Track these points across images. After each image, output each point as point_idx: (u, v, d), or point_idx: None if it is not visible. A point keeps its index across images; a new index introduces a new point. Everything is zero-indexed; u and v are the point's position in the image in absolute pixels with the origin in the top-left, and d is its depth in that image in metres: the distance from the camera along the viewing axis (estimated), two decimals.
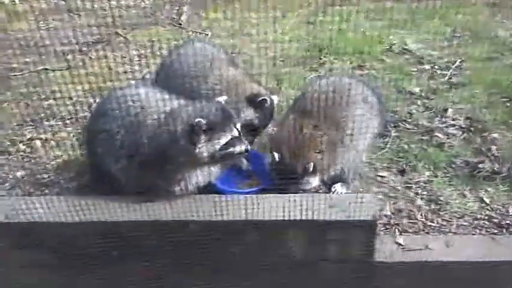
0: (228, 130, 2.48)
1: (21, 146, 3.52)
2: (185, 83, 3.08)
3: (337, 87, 2.79)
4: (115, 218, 2.47)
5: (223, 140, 2.46)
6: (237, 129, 2.52)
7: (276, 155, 2.65)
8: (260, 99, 3.02)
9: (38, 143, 3.56)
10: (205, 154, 2.43)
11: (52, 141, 3.57)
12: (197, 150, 2.40)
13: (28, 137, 3.62)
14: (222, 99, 2.60)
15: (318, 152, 2.64)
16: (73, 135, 3.62)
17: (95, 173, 2.76)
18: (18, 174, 3.23)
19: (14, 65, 4.83)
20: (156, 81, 3.28)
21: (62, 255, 2.54)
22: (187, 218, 2.45)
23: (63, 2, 6.75)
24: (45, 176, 3.20)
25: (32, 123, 3.81)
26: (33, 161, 3.38)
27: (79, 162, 3.26)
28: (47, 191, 3.04)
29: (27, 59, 4.98)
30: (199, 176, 2.56)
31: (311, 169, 2.59)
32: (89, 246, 2.50)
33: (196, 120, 2.36)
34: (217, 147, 2.45)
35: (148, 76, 4.34)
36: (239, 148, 2.53)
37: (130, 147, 2.49)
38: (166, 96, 2.57)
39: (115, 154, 2.53)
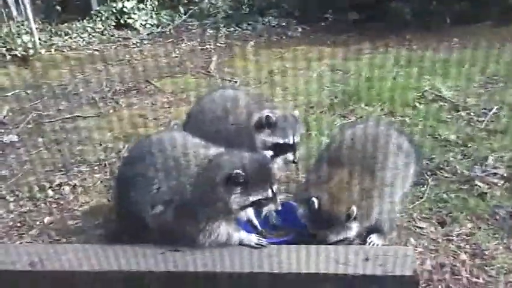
0: (263, 189, 2.45)
1: (50, 192, 3.51)
2: (211, 125, 3.10)
3: (372, 135, 2.70)
4: (142, 267, 2.38)
5: (255, 198, 2.45)
6: (272, 190, 2.48)
7: (315, 200, 2.52)
8: (264, 115, 2.98)
9: (67, 188, 3.55)
10: (235, 206, 2.42)
11: (81, 188, 3.56)
12: (230, 200, 2.39)
13: (57, 182, 3.62)
14: (269, 154, 2.56)
15: (357, 199, 2.51)
16: (101, 181, 3.60)
17: (125, 219, 2.70)
18: (46, 220, 3.20)
19: (48, 113, 4.94)
20: (185, 128, 3.27)
21: None
22: (215, 269, 2.33)
23: (97, 53, 7.02)
24: (73, 222, 3.15)
25: (62, 169, 3.83)
26: (61, 207, 3.35)
27: (106, 208, 3.23)
28: (74, 238, 2.99)
29: (60, 107, 5.11)
30: (231, 229, 2.49)
31: (355, 213, 2.45)
32: None
33: (235, 171, 2.35)
34: (248, 202, 2.44)
35: (172, 124, 4.40)
36: (269, 208, 2.52)
37: (169, 192, 2.47)
38: (206, 143, 2.60)
39: (151, 199, 2.49)
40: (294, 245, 2.43)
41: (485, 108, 4.15)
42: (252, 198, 2.44)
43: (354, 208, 2.45)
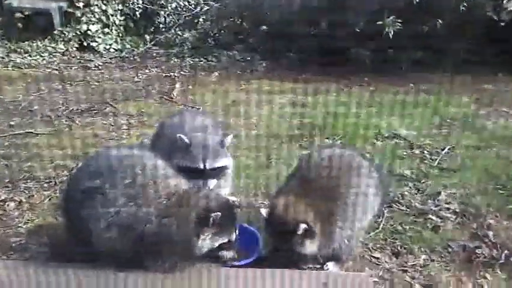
0: (230, 231, 2.40)
1: None
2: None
3: (342, 159, 2.72)
4: None
5: (223, 240, 2.38)
6: (235, 233, 2.43)
7: (263, 211, 2.51)
8: (178, 136, 2.81)
9: (11, 204, 3.35)
10: (203, 249, 2.33)
11: (27, 204, 3.36)
12: (199, 243, 2.31)
13: (1, 198, 3.41)
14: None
15: (316, 216, 2.48)
16: (50, 199, 3.42)
17: (72, 235, 2.55)
18: None
19: None
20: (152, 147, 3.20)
21: None
22: None
23: (56, 72, 6.83)
24: (16, 239, 2.95)
25: (8, 185, 3.61)
26: (3, 223, 3.14)
27: (53, 226, 3.05)
28: (15, 256, 2.79)
29: (12, 122, 4.90)
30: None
31: (301, 230, 2.40)
32: None
33: (215, 214, 2.28)
34: (216, 244, 2.35)
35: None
36: (227, 254, 2.42)
37: (128, 219, 2.32)
38: (173, 171, 2.51)
39: (106, 221, 2.33)
40: (250, 268, 2.37)
41: (438, 148, 4.31)
42: (222, 240, 2.36)
43: (302, 225, 2.40)
